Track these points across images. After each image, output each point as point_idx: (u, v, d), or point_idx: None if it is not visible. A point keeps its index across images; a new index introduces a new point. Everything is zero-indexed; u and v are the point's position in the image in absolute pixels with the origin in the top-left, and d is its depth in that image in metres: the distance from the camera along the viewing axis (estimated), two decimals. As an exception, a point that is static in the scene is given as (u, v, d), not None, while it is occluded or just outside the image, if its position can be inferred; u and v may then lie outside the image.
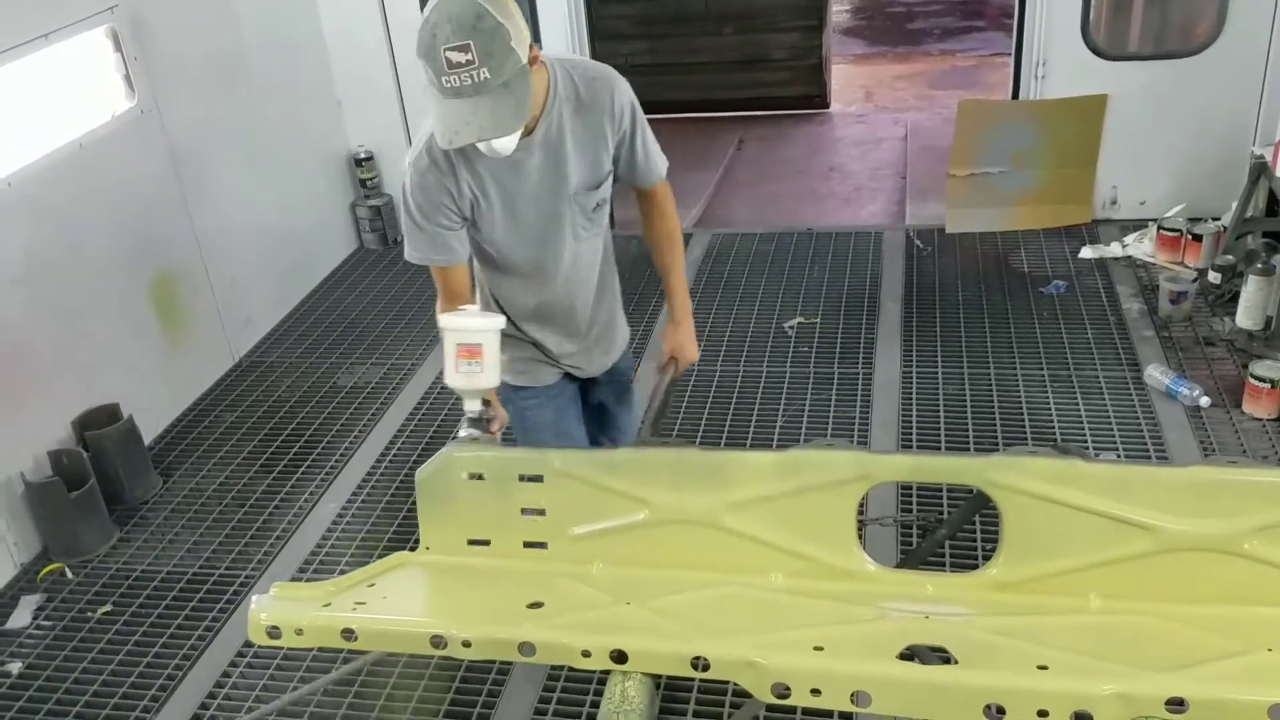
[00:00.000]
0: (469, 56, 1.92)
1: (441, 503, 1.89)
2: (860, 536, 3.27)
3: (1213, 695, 1.44)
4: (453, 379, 2.07)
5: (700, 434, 4.14)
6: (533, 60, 2.06)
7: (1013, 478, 1.70)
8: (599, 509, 1.85)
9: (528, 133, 2.20)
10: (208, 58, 4.79)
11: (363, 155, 5.86)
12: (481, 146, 2.11)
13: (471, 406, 2.10)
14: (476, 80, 1.94)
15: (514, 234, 2.38)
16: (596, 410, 2.87)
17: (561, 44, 5.50)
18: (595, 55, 5.76)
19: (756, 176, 6.76)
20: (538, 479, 1.85)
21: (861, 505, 3.38)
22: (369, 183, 5.89)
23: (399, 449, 4.15)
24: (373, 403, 4.50)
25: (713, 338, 4.78)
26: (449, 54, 1.93)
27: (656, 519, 1.84)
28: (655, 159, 2.47)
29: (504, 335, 2.57)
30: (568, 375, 2.69)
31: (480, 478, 1.87)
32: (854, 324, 4.71)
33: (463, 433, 2.08)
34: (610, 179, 2.43)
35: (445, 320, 2.11)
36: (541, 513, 1.87)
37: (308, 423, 4.41)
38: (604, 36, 7.43)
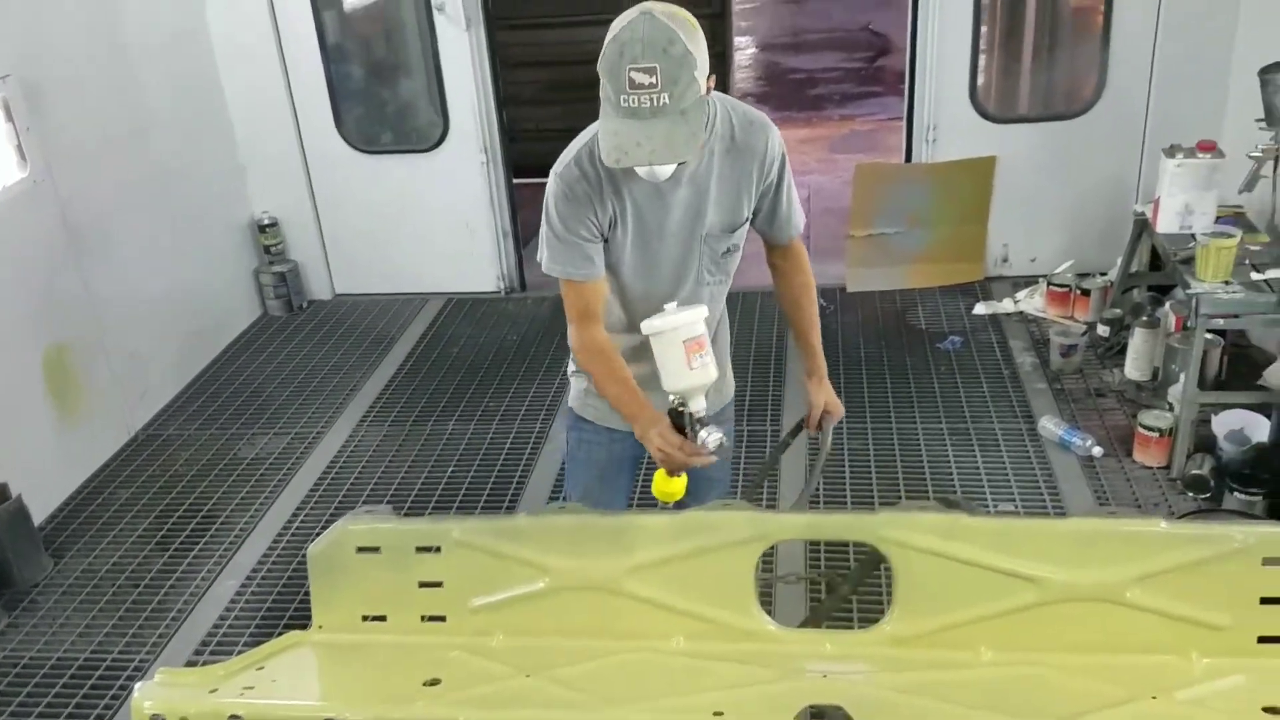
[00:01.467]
0: (653, 80, 1.95)
1: (335, 579, 1.85)
2: (770, 595, 3.33)
3: (1100, 743, 1.48)
4: (686, 378, 2.09)
5: (611, 496, 4.13)
6: (707, 90, 2.09)
7: (902, 533, 1.74)
8: (499, 578, 1.83)
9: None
10: (106, 125, 4.71)
11: (266, 221, 5.79)
12: (642, 172, 2.12)
13: (699, 405, 2.13)
14: (656, 104, 1.96)
15: (641, 265, 2.34)
16: None
17: (468, 111, 5.54)
18: (504, 121, 5.83)
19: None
20: (435, 550, 1.83)
21: (770, 564, 3.44)
22: (273, 249, 5.82)
23: (301, 522, 4.05)
24: (274, 475, 4.39)
25: (623, 399, 4.78)
26: (634, 74, 1.95)
27: (557, 586, 1.83)
28: (797, 213, 2.47)
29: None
30: None
31: (376, 550, 1.84)
32: (761, 382, 4.77)
33: (713, 438, 2.12)
34: (745, 227, 2.41)
35: (662, 321, 2.13)
36: (440, 585, 1.84)
37: (206, 497, 4.28)
38: (515, 102, 7.51)
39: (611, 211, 2.26)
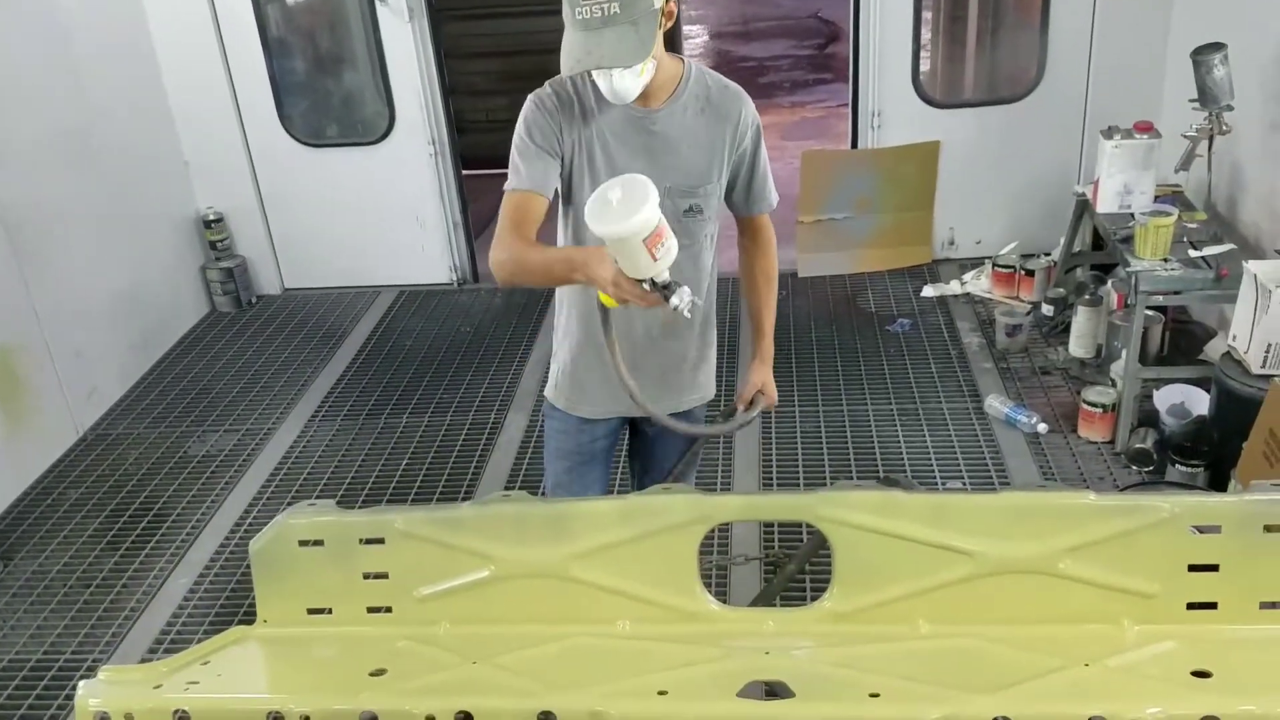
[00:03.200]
0: None
1: (278, 572, 1.84)
2: (726, 576, 3.37)
3: (1035, 712, 1.51)
4: (650, 269, 1.94)
5: (566, 485, 4.14)
6: (668, 15, 2.13)
7: (839, 511, 1.76)
8: (444, 568, 1.83)
9: (648, 102, 2.25)
10: (44, 126, 4.65)
11: (212, 217, 5.73)
12: (603, 86, 2.15)
13: (663, 276, 1.98)
14: (606, 14, 2.03)
15: None
16: (646, 449, 2.75)
17: (414, 102, 5.51)
18: (451, 112, 5.80)
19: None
20: (379, 541, 1.83)
21: (726, 545, 3.47)
22: (219, 244, 5.76)
23: (254, 519, 4.03)
24: (225, 471, 4.36)
25: (577, 388, 4.80)
26: None
27: (502, 574, 1.83)
28: (769, 188, 2.48)
29: (568, 346, 2.54)
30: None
31: (319, 544, 1.83)
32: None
33: (685, 300, 1.98)
34: (712, 192, 2.39)
35: (618, 227, 1.89)
36: (385, 576, 1.84)
37: (157, 495, 4.25)
38: (464, 92, 7.47)
39: (576, 137, 2.27)
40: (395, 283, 5.93)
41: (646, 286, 1.98)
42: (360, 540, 1.83)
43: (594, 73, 2.16)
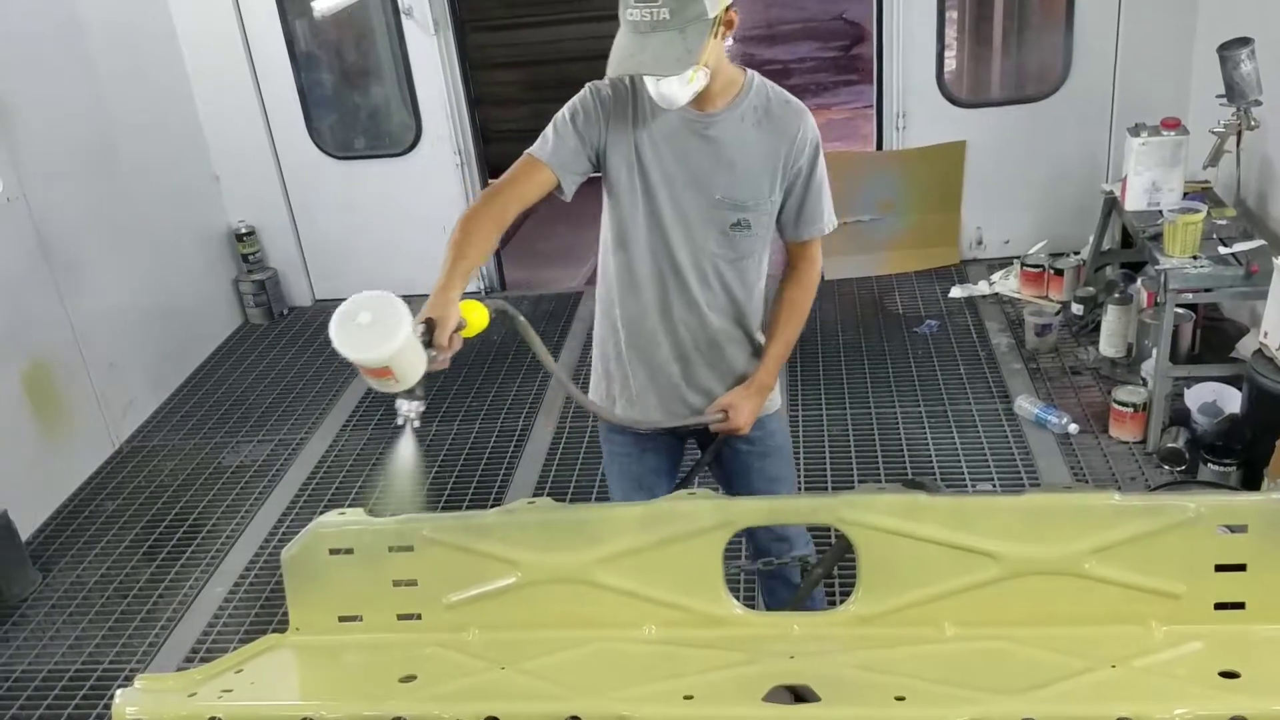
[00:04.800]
0: None
1: (310, 581, 1.87)
2: (753, 581, 3.37)
3: (1062, 713, 1.51)
4: (375, 385, 1.93)
5: (594, 491, 4.17)
6: (728, 24, 2.12)
7: (863, 514, 1.76)
8: (472, 574, 1.85)
9: (705, 106, 2.22)
10: (78, 140, 4.74)
11: (243, 230, 5.81)
12: (650, 89, 2.14)
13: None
14: (655, 18, 2.01)
15: (645, 209, 2.30)
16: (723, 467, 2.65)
17: (440, 113, 5.56)
18: (478, 121, 5.85)
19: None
20: (408, 549, 1.85)
21: (737, 554, 3.47)
22: (251, 257, 5.83)
23: (288, 527, 4.08)
24: (259, 481, 4.42)
25: (605, 394, 4.82)
26: None
27: (528, 580, 1.85)
28: (823, 212, 2.36)
29: (611, 361, 2.50)
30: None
31: (349, 552, 1.86)
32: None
33: (402, 411, 2.01)
34: (763, 208, 2.30)
35: (344, 348, 1.84)
36: (414, 583, 1.86)
37: (192, 506, 4.31)
38: (488, 102, 7.53)
39: (624, 135, 2.24)
40: (424, 292, 5.90)
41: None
42: (389, 548, 1.85)
43: (645, 76, 2.15)
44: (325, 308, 5.96)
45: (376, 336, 1.83)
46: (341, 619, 1.87)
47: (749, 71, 2.29)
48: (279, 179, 5.77)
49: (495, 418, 4.73)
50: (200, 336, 5.59)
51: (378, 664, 1.78)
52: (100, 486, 4.53)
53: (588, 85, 2.28)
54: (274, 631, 1.93)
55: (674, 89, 2.12)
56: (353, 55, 6.04)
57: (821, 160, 2.33)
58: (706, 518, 1.84)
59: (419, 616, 1.87)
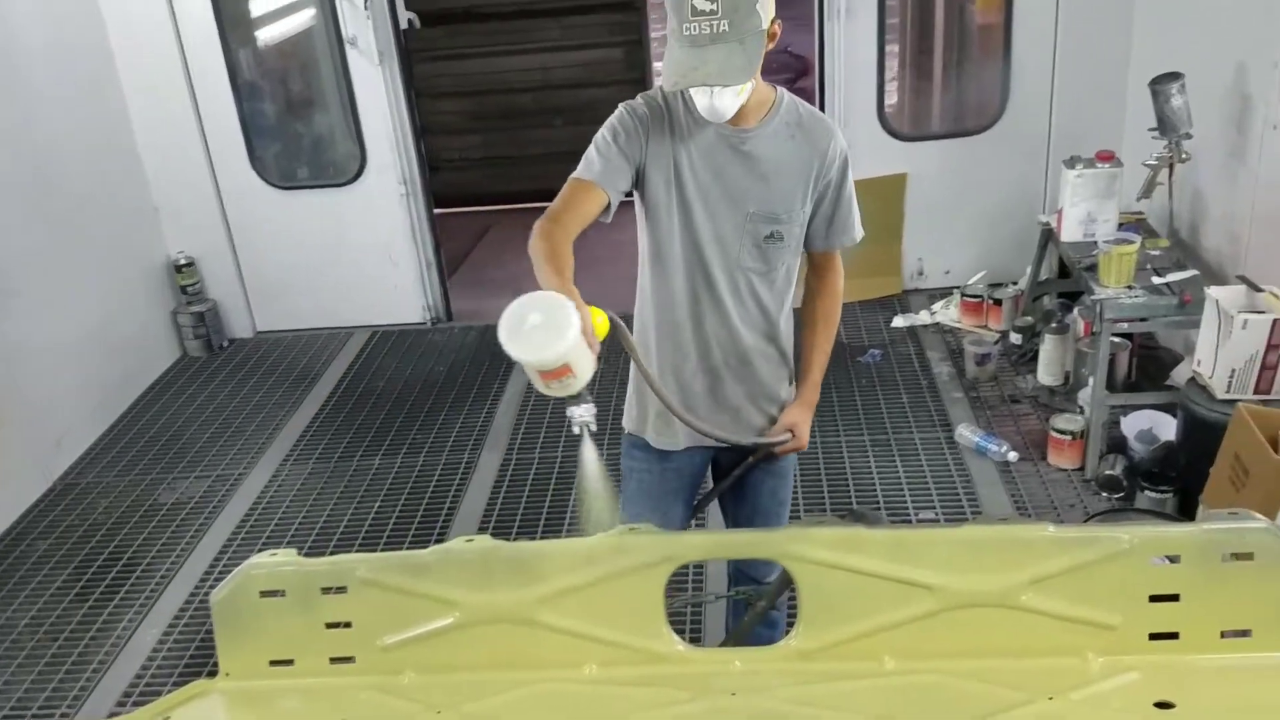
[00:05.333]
0: (714, 7, 2.03)
1: (240, 624, 1.82)
2: (700, 615, 3.35)
3: (1000, 746, 1.51)
4: (543, 389, 1.92)
5: (542, 524, 4.14)
6: (771, 37, 2.15)
7: (803, 548, 1.76)
8: (408, 615, 1.82)
9: (740, 121, 2.24)
10: (10, 170, 4.62)
11: (183, 262, 5.71)
12: (701, 103, 2.16)
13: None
14: (715, 31, 2.04)
15: (681, 224, 2.32)
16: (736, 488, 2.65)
17: (386, 143, 5.53)
18: (426, 150, 5.83)
19: (597, 260, 6.85)
20: (342, 590, 1.81)
21: (701, 584, 3.46)
22: (190, 289, 5.74)
23: (224, 565, 4.00)
24: (196, 519, 4.32)
25: (553, 424, 4.82)
26: (695, 1, 2.03)
27: (467, 620, 1.82)
28: (853, 222, 2.42)
29: (638, 368, 2.43)
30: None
31: (281, 594, 1.82)
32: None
33: (580, 415, 1.99)
34: (796, 220, 2.34)
35: (518, 349, 1.86)
36: (348, 625, 1.82)
37: (126, 545, 4.20)
38: (436, 131, 7.52)
39: (663, 150, 2.26)
40: (368, 323, 5.92)
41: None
42: (322, 589, 1.81)
43: (693, 90, 2.17)
44: (266, 339, 5.90)
45: (552, 334, 1.85)
46: (273, 663, 1.82)
47: (778, 88, 2.33)
48: (219, 209, 5.69)
49: (440, 450, 4.68)
50: (137, 370, 5.48)
51: (310, 710, 1.74)
52: (32, 525, 4.40)
53: (621, 105, 2.30)
54: (208, 676, 1.88)
55: (726, 101, 2.16)
56: (296, 85, 6.00)
57: (850, 172, 2.39)
58: (649, 553, 1.82)
59: (353, 659, 1.83)
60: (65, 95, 5.02)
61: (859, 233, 2.46)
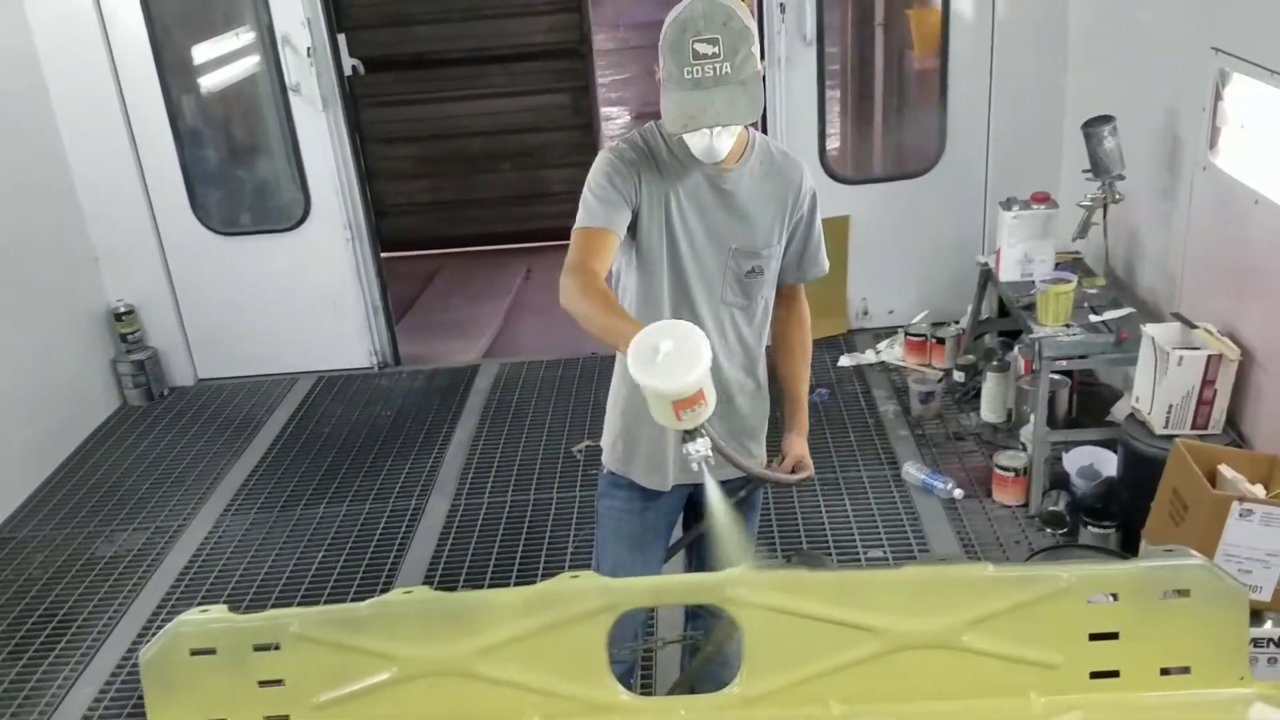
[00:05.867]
0: (716, 50, 2.08)
1: (170, 684, 1.76)
2: (650, 661, 3.32)
3: (945, 789, 1.50)
4: (672, 424, 1.93)
5: (490, 570, 4.09)
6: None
7: (745, 592, 1.75)
8: (343, 672, 1.77)
9: (721, 162, 2.28)
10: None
11: (123, 310, 5.61)
12: (697, 145, 2.20)
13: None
14: (718, 73, 2.09)
15: (669, 264, 2.35)
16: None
17: (330, 188, 5.50)
18: (373, 195, 5.81)
19: (546, 303, 6.83)
20: (274, 647, 1.76)
21: (651, 629, 3.43)
22: (130, 337, 5.63)
23: (162, 621, 3.88)
24: (134, 572, 4.21)
25: (502, 468, 4.78)
26: (697, 45, 2.08)
27: (405, 675, 1.78)
28: (821, 255, 2.53)
29: (632, 419, 2.48)
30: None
31: (212, 652, 1.77)
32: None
33: (695, 451, 1.98)
34: (774, 254, 2.42)
35: (654, 380, 1.87)
36: (281, 683, 1.78)
37: (62, 600, 4.08)
38: (385, 176, 7.52)
39: (653, 191, 2.29)
40: (314, 369, 5.84)
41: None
42: (254, 646, 1.76)
43: (690, 133, 2.19)
44: (208, 387, 5.81)
45: (688, 359, 1.86)
46: (205, 723, 1.77)
47: (750, 129, 2.37)
48: (160, 256, 5.61)
49: (387, 497, 4.62)
50: (75, 420, 5.36)
51: (243, 770, 1.69)
52: (-36, 582, 4.27)
53: (607, 151, 2.33)
54: (146, 736, 1.82)
55: (724, 142, 2.22)
56: (239, 130, 5.96)
57: (819, 208, 2.48)
58: (591, 600, 1.80)
59: (288, 718, 1.78)
60: (2, 143, 4.93)
61: (826, 265, 2.56)
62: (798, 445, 2.63)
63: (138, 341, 5.67)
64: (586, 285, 2.18)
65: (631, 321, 2.08)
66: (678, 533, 2.77)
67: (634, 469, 2.57)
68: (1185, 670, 1.74)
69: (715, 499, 2.18)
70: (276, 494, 4.71)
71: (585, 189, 2.30)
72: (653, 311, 2.39)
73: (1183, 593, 1.73)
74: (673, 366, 1.86)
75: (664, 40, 2.15)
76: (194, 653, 1.76)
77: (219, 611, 1.79)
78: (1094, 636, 1.74)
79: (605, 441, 2.63)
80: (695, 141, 2.22)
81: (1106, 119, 4.10)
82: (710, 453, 2.02)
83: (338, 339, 5.81)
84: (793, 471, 2.62)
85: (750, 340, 2.50)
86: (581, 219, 2.28)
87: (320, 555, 4.22)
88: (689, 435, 1.99)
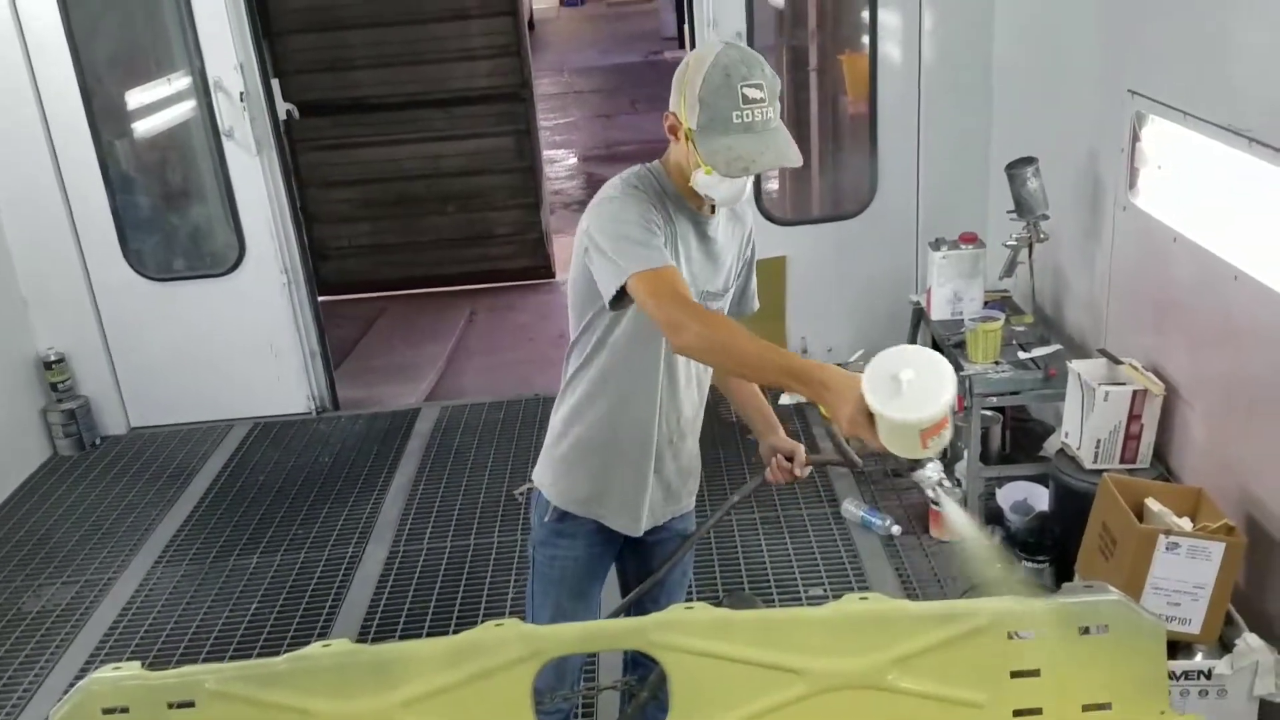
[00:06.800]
0: (762, 95, 2.13)
1: (81, 745, 1.72)
2: (592, 707, 3.29)
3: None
4: (916, 453, 1.88)
5: (429, 617, 4.03)
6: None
7: (672, 636, 1.74)
8: (262, 728, 1.74)
9: (703, 208, 2.33)
10: None
11: (53, 358, 5.49)
12: (720, 191, 2.21)
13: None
14: (765, 117, 2.13)
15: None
16: (644, 557, 2.68)
17: (265, 233, 5.45)
18: (313, 238, 5.76)
19: (489, 345, 6.87)
20: (189, 705, 1.72)
21: (592, 674, 3.40)
22: (60, 385, 5.50)
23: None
24: (62, 627, 4.09)
25: (442, 513, 4.74)
26: (746, 90, 2.11)
27: (325, 729, 1.75)
28: (755, 293, 2.63)
29: (608, 456, 2.48)
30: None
31: (125, 711, 1.72)
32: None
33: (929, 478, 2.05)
34: (731, 294, 2.49)
35: (906, 414, 1.80)
36: (198, 741, 1.73)
37: (-16, 659, 3.95)
38: (325, 220, 7.47)
39: (665, 232, 2.27)
40: (250, 415, 5.75)
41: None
42: (169, 704, 1.72)
43: (705, 180, 2.19)
44: (141, 435, 5.69)
45: (934, 383, 1.80)
46: (117, 786, 1.72)
47: None
48: (92, 303, 5.50)
49: (323, 545, 4.54)
50: (3, 471, 5.21)
51: (155, 834, 1.64)
52: (-120, 642, 4.11)
53: (626, 188, 2.27)
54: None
55: (741, 187, 2.24)
56: (172, 176, 5.89)
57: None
58: (515, 649, 1.78)
59: (204, 777, 1.74)
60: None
61: (757, 304, 2.66)
62: (786, 440, 2.65)
63: (68, 390, 5.55)
64: (706, 321, 2.12)
65: (804, 360, 2.07)
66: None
67: (605, 510, 2.53)
68: (1106, 706, 1.76)
69: (959, 516, 2.25)
70: (209, 544, 4.61)
71: (622, 229, 2.20)
72: (644, 351, 2.36)
73: (1102, 628, 1.75)
74: (923, 394, 1.80)
75: (701, 85, 2.12)
76: (106, 711, 1.72)
77: (132, 669, 1.75)
78: (1016, 674, 1.76)
79: (550, 481, 2.56)
80: (726, 188, 2.21)
81: (1029, 160, 4.20)
82: (942, 476, 2.08)
83: (275, 384, 5.73)
84: (791, 465, 2.64)
85: (704, 379, 2.54)
86: (641, 260, 2.15)
87: (254, 606, 4.14)
88: (916, 464, 2.00)
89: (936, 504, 2.17)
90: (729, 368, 2.33)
